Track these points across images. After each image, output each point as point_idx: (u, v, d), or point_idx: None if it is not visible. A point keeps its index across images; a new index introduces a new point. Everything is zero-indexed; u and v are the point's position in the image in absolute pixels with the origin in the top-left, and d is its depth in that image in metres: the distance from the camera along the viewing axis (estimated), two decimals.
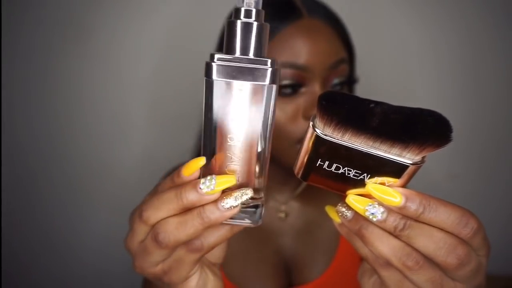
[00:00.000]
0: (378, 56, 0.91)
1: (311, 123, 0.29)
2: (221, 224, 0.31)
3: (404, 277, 0.30)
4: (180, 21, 0.91)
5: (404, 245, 0.29)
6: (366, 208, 0.29)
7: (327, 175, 0.30)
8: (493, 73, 0.97)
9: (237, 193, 0.30)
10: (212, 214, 0.29)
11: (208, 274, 0.36)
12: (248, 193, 0.30)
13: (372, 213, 0.29)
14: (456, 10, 0.94)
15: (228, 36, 0.30)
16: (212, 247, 0.32)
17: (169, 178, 0.32)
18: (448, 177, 1.02)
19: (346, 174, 0.30)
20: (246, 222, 0.32)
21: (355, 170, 0.29)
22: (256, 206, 0.33)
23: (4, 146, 0.91)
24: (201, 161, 0.31)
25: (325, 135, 0.28)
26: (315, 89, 0.56)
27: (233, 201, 0.30)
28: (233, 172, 0.31)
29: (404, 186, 0.30)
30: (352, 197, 0.29)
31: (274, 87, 0.29)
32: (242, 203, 0.30)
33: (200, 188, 0.29)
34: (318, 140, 0.29)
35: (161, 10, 0.90)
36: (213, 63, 0.30)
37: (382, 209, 0.28)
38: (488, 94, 0.98)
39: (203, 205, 0.30)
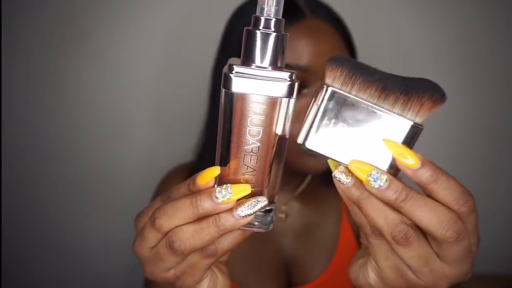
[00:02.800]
0: (379, 56, 0.91)
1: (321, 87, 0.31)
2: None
3: (392, 249, 0.30)
4: (181, 21, 0.91)
5: (400, 220, 0.29)
6: (369, 173, 0.28)
7: (331, 136, 0.30)
8: (495, 73, 0.97)
9: (252, 201, 0.30)
10: (228, 222, 0.30)
11: (218, 274, 0.37)
12: (263, 201, 0.30)
13: (375, 179, 0.28)
14: (456, 10, 0.94)
15: (246, 46, 0.30)
16: (225, 252, 0.33)
17: (183, 185, 0.33)
18: None
19: (349, 136, 0.30)
20: (258, 227, 0.33)
21: (360, 131, 0.30)
22: (268, 211, 0.33)
23: (4, 146, 0.91)
24: (216, 170, 0.31)
25: (333, 89, 0.30)
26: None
27: (248, 210, 0.30)
28: (248, 180, 0.31)
29: None
30: (355, 163, 0.29)
31: (292, 100, 0.30)
32: (257, 211, 0.30)
33: (216, 197, 0.30)
34: (327, 94, 0.30)
35: (162, 10, 0.90)
36: (231, 75, 0.29)
37: (386, 177, 0.28)
38: (489, 95, 0.98)
39: (218, 214, 0.30)
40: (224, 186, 0.30)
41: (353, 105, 0.29)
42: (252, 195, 0.31)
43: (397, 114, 0.29)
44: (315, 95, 0.31)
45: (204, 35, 0.88)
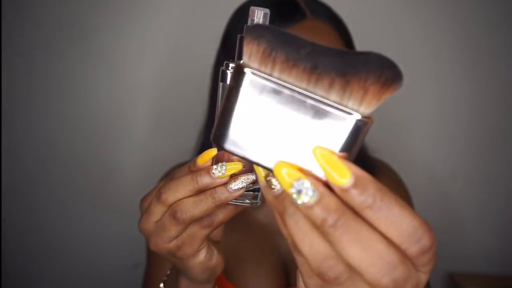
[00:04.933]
0: None
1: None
2: (228, 204, 0.36)
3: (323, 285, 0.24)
4: (181, 22, 0.91)
5: (330, 253, 0.22)
6: (293, 183, 0.22)
7: (250, 135, 0.23)
8: (494, 73, 0.97)
9: (243, 178, 0.34)
10: (222, 194, 0.34)
11: (213, 249, 0.41)
12: (251, 178, 0.34)
13: (298, 191, 0.21)
14: (456, 11, 0.94)
15: (240, 49, 0.33)
16: (220, 224, 0.37)
17: (185, 167, 0.37)
18: (450, 177, 1.02)
19: (274, 134, 0.23)
20: (248, 203, 0.37)
21: (284, 128, 0.23)
22: (256, 190, 0.37)
23: (4, 146, 0.91)
24: (214, 151, 0.35)
25: (251, 70, 0.22)
26: None
27: (240, 184, 0.34)
28: (240, 160, 0.35)
29: (349, 160, 0.23)
30: (281, 167, 0.22)
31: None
32: (247, 186, 0.34)
33: (213, 173, 0.34)
34: (241, 78, 0.22)
35: (162, 11, 0.90)
36: (228, 71, 0.33)
37: (312, 191, 0.21)
38: (489, 94, 0.98)
39: (214, 188, 0.35)
40: (220, 164, 0.34)
41: (275, 91, 0.22)
42: (243, 172, 0.35)
43: (334, 103, 0.22)
44: (231, 78, 0.24)
45: (204, 36, 0.88)
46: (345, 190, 0.21)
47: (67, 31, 0.89)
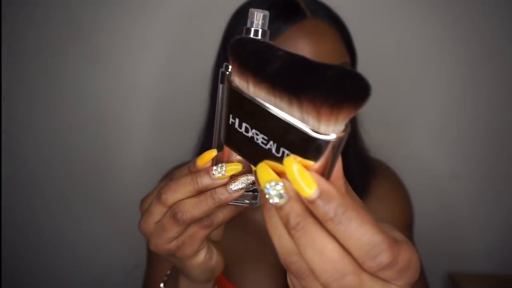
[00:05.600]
0: (379, 57, 0.91)
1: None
2: (228, 204, 0.36)
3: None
4: (181, 21, 0.91)
5: (293, 249, 0.25)
6: (266, 184, 0.24)
7: (240, 138, 0.27)
8: (495, 73, 0.97)
9: (242, 178, 0.35)
10: (222, 195, 0.35)
11: (213, 249, 0.42)
12: (251, 178, 0.34)
13: (269, 193, 0.24)
14: (457, 10, 0.94)
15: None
16: (220, 224, 0.38)
17: (185, 168, 0.37)
18: (450, 177, 1.02)
19: (255, 140, 0.26)
20: (247, 203, 0.37)
21: (262, 135, 0.25)
22: (256, 190, 0.37)
23: (4, 146, 0.91)
24: (213, 153, 0.36)
25: (232, 81, 0.25)
26: None
27: (239, 185, 0.34)
28: (239, 161, 0.35)
29: (321, 172, 0.24)
30: (261, 167, 0.25)
31: None
32: (246, 186, 0.35)
33: (213, 173, 0.34)
34: (227, 88, 0.26)
35: (162, 10, 0.90)
36: (227, 72, 0.34)
37: (281, 193, 0.24)
38: (490, 95, 0.99)
39: (214, 188, 0.35)
40: (220, 165, 0.35)
41: (251, 103, 0.24)
42: (242, 173, 0.35)
43: (297, 119, 0.23)
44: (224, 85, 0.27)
45: (204, 35, 0.88)
46: (310, 201, 0.23)
47: (67, 31, 0.89)
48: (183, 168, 0.38)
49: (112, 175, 0.97)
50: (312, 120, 0.22)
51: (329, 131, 0.22)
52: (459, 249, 1.04)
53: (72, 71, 0.91)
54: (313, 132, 0.22)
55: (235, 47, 0.24)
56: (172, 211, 0.36)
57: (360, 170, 0.68)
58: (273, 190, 0.24)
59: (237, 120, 0.26)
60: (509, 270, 1.03)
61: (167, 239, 0.37)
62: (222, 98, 0.33)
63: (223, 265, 0.43)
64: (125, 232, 0.97)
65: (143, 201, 0.40)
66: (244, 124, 0.26)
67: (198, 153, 0.69)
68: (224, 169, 0.34)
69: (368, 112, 0.70)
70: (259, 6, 0.59)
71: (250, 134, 0.26)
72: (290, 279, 0.27)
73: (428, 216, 0.98)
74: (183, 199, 0.35)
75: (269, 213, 0.26)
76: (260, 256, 0.65)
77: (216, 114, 0.36)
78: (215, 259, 0.42)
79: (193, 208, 0.35)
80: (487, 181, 1.02)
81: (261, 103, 0.24)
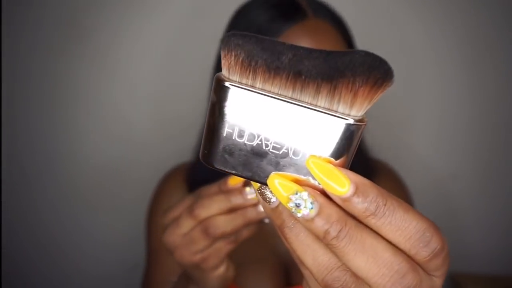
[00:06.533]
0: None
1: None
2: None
3: None
4: (181, 21, 0.91)
5: (334, 264, 0.22)
6: (290, 197, 0.21)
7: (239, 152, 0.22)
8: (495, 72, 0.97)
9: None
10: (252, 214, 0.38)
11: (229, 263, 0.44)
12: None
13: (297, 205, 0.21)
14: (457, 10, 0.94)
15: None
16: (242, 240, 0.41)
17: (215, 185, 0.40)
18: (451, 178, 1.02)
19: (264, 148, 0.22)
20: (267, 222, 0.40)
21: (274, 140, 0.21)
22: None
23: (4, 147, 0.91)
24: None
25: (231, 82, 0.21)
26: None
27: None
28: None
29: (345, 166, 0.22)
30: (277, 179, 0.22)
31: None
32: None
33: (246, 194, 0.38)
34: (222, 92, 0.21)
35: (162, 10, 0.90)
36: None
37: (310, 202, 0.21)
38: (490, 94, 0.98)
39: (245, 208, 0.38)
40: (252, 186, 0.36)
41: (260, 103, 0.21)
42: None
43: (323, 109, 0.21)
44: (212, 92, 0.23)
45: (204, 36, 0.87)
46: (346, 200, 0.20)
47: (67, 31, 0.88)
48: (212, 185, 0.40)
49: (112, 175, 0.96)
50: (343, 107, 0.21)
51: (358, 117, 0.21)
52: (461, 249, 1.04)
53: (72, 71, 0.90)
54: (348, 118, 0.20)
55: (234, 40, 0.21)
56: (204, 225, 0.38)
57: (362, 170, 0.67)
58: (301, 201, 0.21)
59: (236, 128, 0.22)
60: (509, 270, 1.03)
61: (194, 252, 0.39)
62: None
63: (234, 274, 0.46)
64: (125, 232, 0.96)
65: (166, 213, 0.42)
66: (247, 132, 0.22)
67: (198, 153, 0.69)
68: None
69: (368, 112, 0.70)
70: (260, 7, 0.59)
71: (255, 142, 0.22)
72: None
73: (429, 216, 0.97)
74: (214, 215, 0.38)
75: (293, 231, 0.22)
76: (261, 257, 0.64)
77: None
78: (230, 271, 0.44)
79: (225, 225, 0.38)
80: (489, 181, 1.02)
81: (278, 99, 0.21)
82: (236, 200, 0.38)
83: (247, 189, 0.38)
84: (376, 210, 0.20)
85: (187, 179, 0.68)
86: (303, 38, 0.55)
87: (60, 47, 0.89)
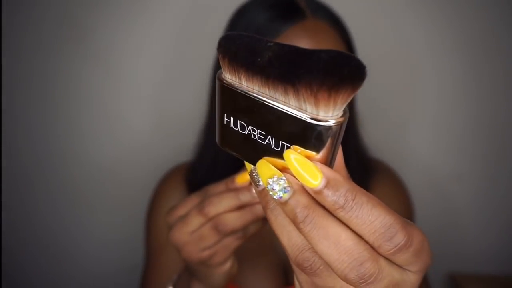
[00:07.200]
0: (379, 57, 0.91)
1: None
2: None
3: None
4: (181, 21, 0.91)
5: (305, 245, 0.24)
6: (268, 180, 0.24)
7: (236, 138, 0.26)
8: (496, 72, 0.97)
9: None
10: (260, 210, 0.39)
11: (234, 259, 0.46)
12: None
13: (273, 189, 0.23)
14: (457, 10, 0.94)
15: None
16: (249, 236, 0.42)
17: (222, 184, 0.41)
18: (451, 177, 1.02)
19: (252, 137, 0.25)
20: None
21: (259, 131, 0.24)
22: None
23: (4, 147, 0.91)
24: None
25: (224, 79, 0.25)
26: None
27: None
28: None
29: (326, 162, 0.24)
30: (261, 164, 0.25)
31: None
32: None
33: (254, 192, 0.38)
34: (219, 86, 0.25)
35: (162, 10, 0.90)
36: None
37: (284, 186, 0.23)
38: (491, 94, 0.98)
39: (253, 204, 0.39)
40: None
41: (246, 98, 0.24)
42: None
43: (294, 108, 0.23)
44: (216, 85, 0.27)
45: (204, 36, 0.87)
46: (318, 192, 0.22)
47: (67, 31, 0.88)
48: (219, 184, 0.41)
49: (112, 175, 0.97)
50: (310, 107, 0.22)
51: (328, 117, 0.22)
52: (460, 249, 1.04)
53: (72, 71, 0.90)
54: (312, 120, 0.22)
55: (224, 43, 0.24)
56: (214, 222, 0.39)
57: (361, 169, 0.68)
58: (276, 185, 0.23)
59: (231, 118, 0.25)
60: (509, 270, 1.03)
61: (202, 248, 0.41)
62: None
63: (237, 270, 0.47)
64: (124, 232, 0.97)
65: (171, 212, 0.43)
66: (239, 122, 0.25)
67: (198, 154, 0.70)
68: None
69: (368, 112, 0.70)
70: (259, 6, 0.59)
71: (246, 132, 0.25)
72: (299, 281, 0.26)
73: (429, 216, 0.98)
74: (223, 212, 0.39)
75: (273, 212, 0.25)
76: (259, 255, 0.65)
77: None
78: (235, 267, 0.46)
79: (234, 221, 0.39)
80: (488, 181, 1.02)
81: (255, 97, 0.23)
82: (245, 197, 0.39)
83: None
84: (344, 204, 0.22)
85: (187, 179, 0.68)
86: (302, 38, 0.55)
87: (61, 47, 0.89)
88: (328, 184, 0.22)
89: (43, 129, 0.93)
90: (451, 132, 1.00)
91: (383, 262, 0.23)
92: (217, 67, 0.66)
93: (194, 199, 0.42)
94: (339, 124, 0.22)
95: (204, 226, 0.40)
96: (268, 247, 0.65)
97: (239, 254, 0.64)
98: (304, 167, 0.23)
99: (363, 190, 0.23)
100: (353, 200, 0.22)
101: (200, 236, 0.40)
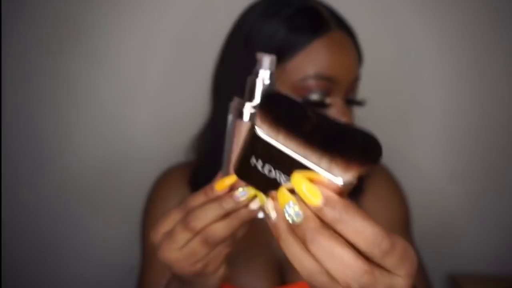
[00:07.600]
0: (379, 58, 0.91)
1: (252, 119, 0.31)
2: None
3: None
4: (181, 21, 0.91)
5: (317, 269, 0.28)
6: (285, 205, 0.27)
7: (260, 176, 0.30)
8: (497, 73, 0.97)
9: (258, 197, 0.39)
10: (245, 215, 0.39)
11: (226, 264, 0.46)
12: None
13: (288, 214, 0.27)
14: (459, 10, 0.94)
15: (250, 89, 0.40)
16: (239, 240, 0.43)
17: (200, 193, 0.41)
18: (449, 178, 1.02)
19: (278, 180, 0.29)
20: (262, 217, 0.41)
21: (285, 176, 0.29)
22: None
23: (4, 146, 0.91)
24: (233, 179, 0.39)
25: (260, 132, 0.28)
26: (338, 101, 0.57)
27: (258, 203, 0.39)
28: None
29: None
30: (281, 190, 0.28)
31: None
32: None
33: (237, 197, 0.38)
34: (253, 136, 0.29)
35: (162, 10, 0.90)
36: (243, 109, 0.40)
37: (297, 211, 0.27)
38: (491, 95, 0.99)
39: (238, 209, 0.39)
40: (241, 189, 0.39)
41: (278, 152, 0.28)
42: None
43: (323, 169, 0.27)
44: (247, 129, 0.30)
45: (205, 35, 0.88)
46: (319, 210, 0.26)
47: (67, 31, 0.88)
48: (198, 194, 0.41)
49: (111, 175, 0.96)
50: (337, 171, 0.27)
51: (346, 178, 0.27)
52: (459, 249, 1.04)
53: (72, 71, 0.91)
54: (337, 178, 0.27)
55: (267, 102, 0.29)
56: (202, 235, 0.39)
57: None
58: (292, 210, 0.27)
59: (260, 161, 0.29)
60: (509, 270, 1.03)
61: (194, 262, 0.40)
62: (233, 130, 0.40)
63: (229, 271, 0.47)
64: (122, 235, 0.96)
65: (153, 231, 0.42)
66: (267, 166, 0.29)
67: (198, 155, 0.70)
68: (246, 193, 0.38)
69: (368, 112, 0.70)
70: (275, 17, 0.58)
71: (273, 175, 0.29)
72: None
73: (428, 216, 0.98)
74: (209, 224, 0.39)
75: (286, 241, 0.28)
76: (254, 254, 0.64)
77: (226, 144, 0.41)
78: (227, 269, 0.46)
79: (222, 230, 0.39)
80: (486, 181, 1.02)
81: (290, 153, 0.28)
82: (228, 205, 0.39)
83: (239, 189, 0.39)
84: (340, 218, 0.26)
85: (187, 180, 0.68)
86: (326, 48, 0.56)
87: (60, 47, 0.89)
88: (326, 201, 0.26)
89: (42, 129, 0.93)
90: (449, 133, 1.00)
91: (377, 272, 0.27)
92: (218, 68, 0.66)
93: (176, 213, 0.41)
94: (352, 185, 0.28)
95: (193, 241, 0.39)
96: (263, 246, 0.65)
97: (234, 254, 0.64)
98: (307, 188, 0.27)
99: (353, 204, 0.27)
100: (347, 214, 0.26)
101: (190, 251, 0.40)
